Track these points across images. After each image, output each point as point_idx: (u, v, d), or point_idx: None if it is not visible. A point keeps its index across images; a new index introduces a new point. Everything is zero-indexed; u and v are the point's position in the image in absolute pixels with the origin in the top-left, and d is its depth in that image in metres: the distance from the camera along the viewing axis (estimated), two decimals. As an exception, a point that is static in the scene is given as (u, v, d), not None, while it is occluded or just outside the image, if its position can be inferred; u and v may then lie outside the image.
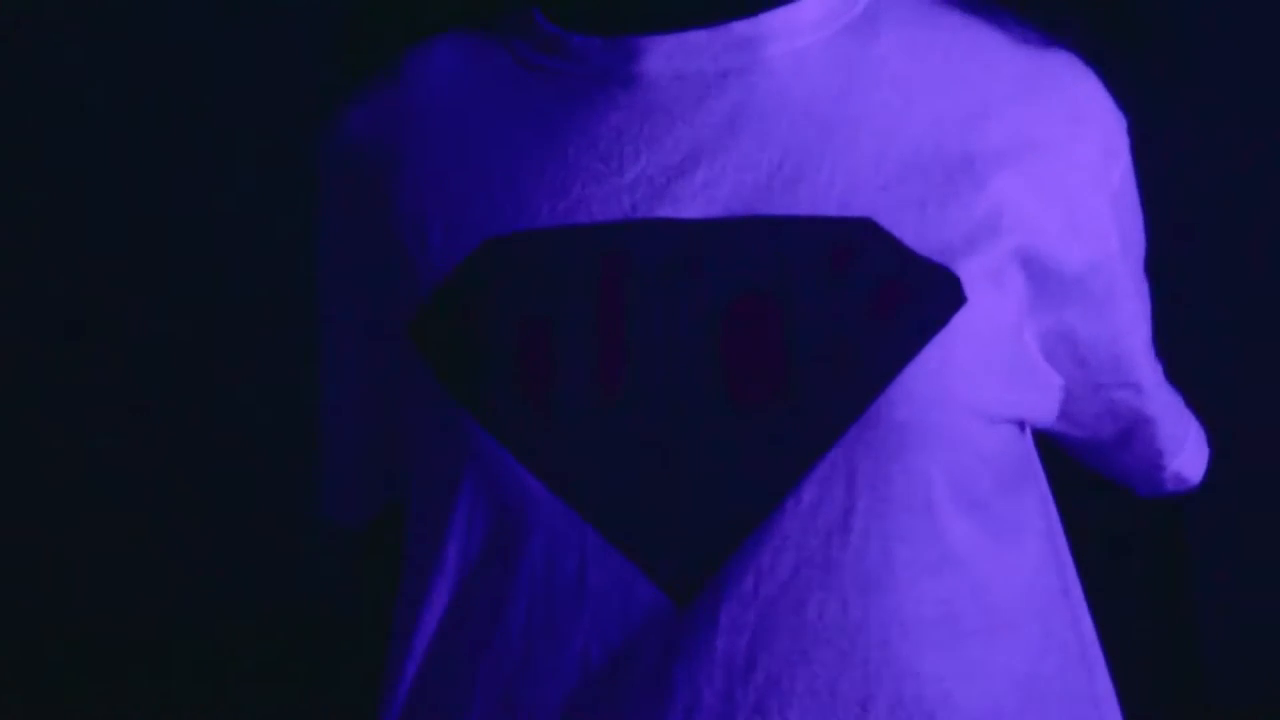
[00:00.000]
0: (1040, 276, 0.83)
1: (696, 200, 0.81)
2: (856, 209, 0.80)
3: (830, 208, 0.80)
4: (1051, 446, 0.92)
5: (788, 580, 0.78)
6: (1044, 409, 0.87)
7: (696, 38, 0.84)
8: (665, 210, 0.81)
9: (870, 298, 0.78)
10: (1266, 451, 1.03)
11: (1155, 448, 0.94)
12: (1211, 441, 0.99)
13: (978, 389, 0.80)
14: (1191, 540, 1.04)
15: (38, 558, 2.17)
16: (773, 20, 0.84)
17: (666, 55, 0.84)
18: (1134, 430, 0.93)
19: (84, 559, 2.17)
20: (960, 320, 0.78)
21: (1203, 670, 1.03)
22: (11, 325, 2.15)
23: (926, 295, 0.78)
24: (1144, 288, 0.90)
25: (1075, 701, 0.85)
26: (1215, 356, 0.94)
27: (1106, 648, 0.90)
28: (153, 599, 2.16)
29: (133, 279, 2.13)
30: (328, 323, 0.96)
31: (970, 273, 0.79)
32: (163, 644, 2.13)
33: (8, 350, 2.16)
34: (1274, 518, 1.80)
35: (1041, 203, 0.82)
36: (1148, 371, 0.92)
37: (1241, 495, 1.00)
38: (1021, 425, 0.86)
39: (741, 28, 0.84)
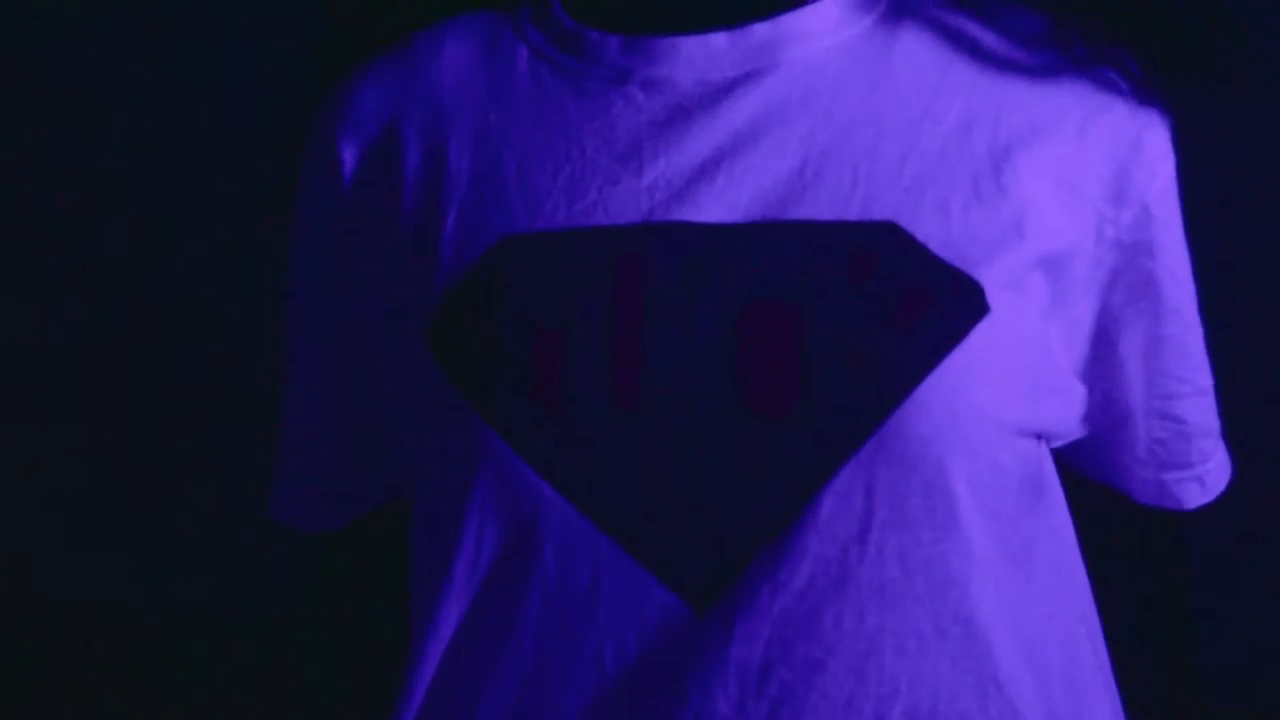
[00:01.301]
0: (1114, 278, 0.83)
1: (716, 204, 0.80)
2: (878, 212, 0.79)
3: (852, 212, 0.79)
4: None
5: (803, 591, 0.77)
6: (1066, 420, 0.86)
7: (717, 40, 0.83)
8: (684, 214, 0.80)
9: (890, 306, 0.77)
10: (1268, 456, 1.03)
11: (1186, 455, 0.92)
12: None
13: (1000, 400, 0.78)
14: (1191, 545, 1.03)
15: (25, 560, 2.16)
16: (793, 22, 0.83)
17: (687, 58, 0.83)
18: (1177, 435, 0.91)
19: (73, 561, 2.16)
20: (982, 330, 0.77)
21: (1201, 677, 1.03)
22: (7, 324, 2.14)
23: (948, 303, 0.77)
24: (1190, 294, 0.89)
25: None
26: (1216, 362, 0.93)
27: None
28: (142, 602, 2.15)
29: (122, 278, 2.12)
30: (302, 310, 0.94)
31: (993, 280, 0.78)
32: (149, 648, 2.12)
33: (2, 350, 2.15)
34: (1274, 523, 1.80)
35: (1065, 203, 0.81)
36: (1201, 377, 0.90)
37: (1242, 501, 0.99)
38: (1041, 438, 0.85)
39: (761, 30, 0.83)
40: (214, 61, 2.06)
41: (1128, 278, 0.85)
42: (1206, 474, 0.92)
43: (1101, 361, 0.87)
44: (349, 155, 0.88)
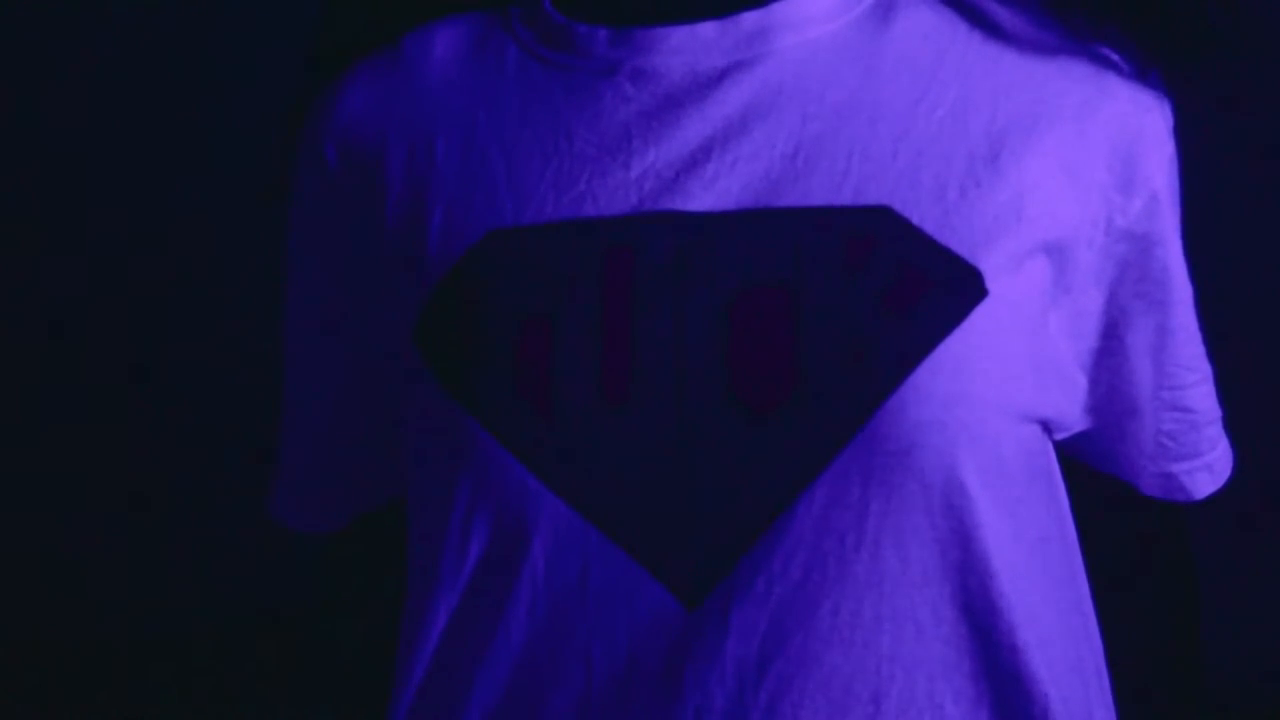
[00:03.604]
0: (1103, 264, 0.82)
1: (706, 193, 0.79)
2: (873, 197, 0.77)
3: (845, 197, 0.77)
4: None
5: (800, 582, 0.76)
6: (1069, 409, 0.84)
7: (706, 30, 0.82)
8: (674, 203, 0.79)
9: (885, 290, 0.75)
10: (1270, 452, 1.02)
11: (1192, 445, 0.91)
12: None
13: (998, 386, 0.77)
14: (1195, 542, 1.02)
15: (26, 560, 2.16)
16: (784, 10, 0.82)
17: (676, 48, 0.82)
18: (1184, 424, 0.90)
19: (73, 561, 2.16)
20: (980, 314, 0.76)
21: (1205, 674, 1.02)
22: (5, 322, 2.14)
23: (945, 287, 0.76)
24: (1186, 282, 0.87)
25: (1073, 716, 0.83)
26: (1217, 357, 0.92)
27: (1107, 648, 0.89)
28: (142, 602, 2.15)
29: (122, 279, 2.12)
30: (299, 313, 0.94)
31: (992, 264, 0.77)
32: (150, 648, 2.12)
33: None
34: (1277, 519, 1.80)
35: (1068, 190, 0.80)
36: (1205, 364, 0.90)
37: (1246, 496, 0.99)
38: (1045, 428, 0.83)
39: (752, 19, 0.82)
40: (214, 61, 2.06)
41: (1139, 269, 0.84)
42: (1215, 461, 0.91)
43: (1109, 354, 0.86)
44: (336, 158, 0.88)
